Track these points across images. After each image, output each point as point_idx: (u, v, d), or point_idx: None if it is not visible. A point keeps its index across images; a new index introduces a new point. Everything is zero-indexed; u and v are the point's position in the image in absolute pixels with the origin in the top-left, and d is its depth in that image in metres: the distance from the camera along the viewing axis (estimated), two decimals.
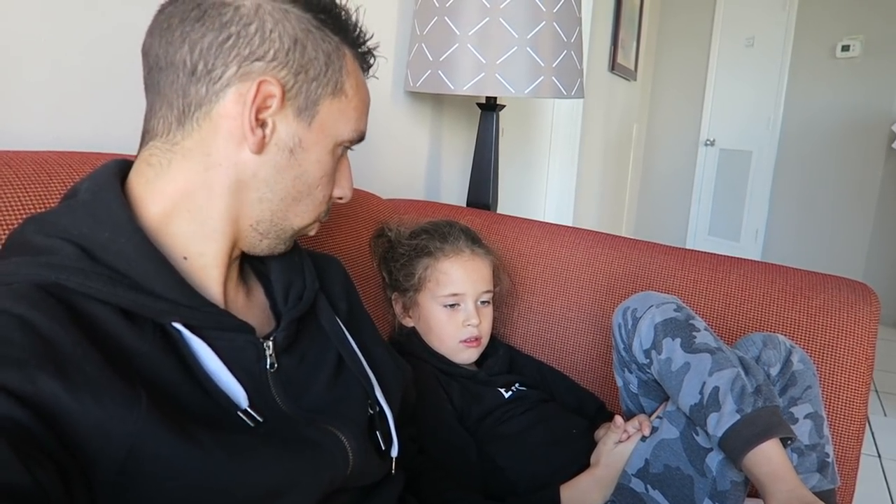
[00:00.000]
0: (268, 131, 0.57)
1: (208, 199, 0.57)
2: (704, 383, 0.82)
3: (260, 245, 0.63)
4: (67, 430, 0.42)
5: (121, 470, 0.44)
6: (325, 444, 0.59)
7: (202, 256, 0.59)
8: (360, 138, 0.66)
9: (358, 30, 0.63)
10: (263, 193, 0.59)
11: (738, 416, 0.78)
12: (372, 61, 0.67)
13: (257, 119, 0.56)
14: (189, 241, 0.58)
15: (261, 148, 0.57)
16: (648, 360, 0.88)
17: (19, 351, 0.42)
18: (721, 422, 0.79)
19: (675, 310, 0.88)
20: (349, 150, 0.67)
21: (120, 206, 0.54)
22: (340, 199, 0.68)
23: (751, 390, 0.80)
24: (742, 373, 0.82)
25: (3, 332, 0.43)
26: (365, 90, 0.65)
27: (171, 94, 0.56)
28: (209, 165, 0.57)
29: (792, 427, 0.81)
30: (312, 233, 0.68)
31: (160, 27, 0.56)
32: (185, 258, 0.58)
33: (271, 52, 0.56)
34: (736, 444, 0.77)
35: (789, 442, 0.80)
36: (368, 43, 0.65)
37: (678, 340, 0.85)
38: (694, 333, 0.86)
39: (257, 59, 0.55)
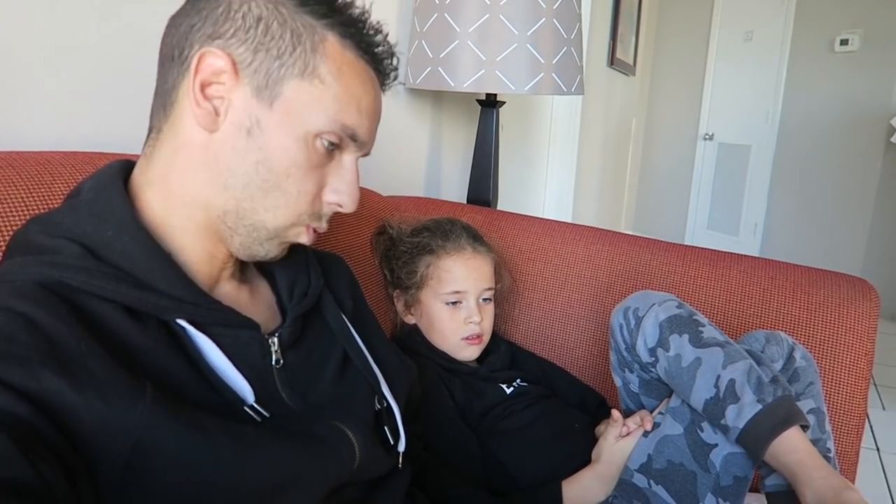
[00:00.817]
0: (222, 108, 0.56)
1: (179, 185, 0.58)
2: (719, 376, 0.81)
3: (233, 242, 0.60)
4: (72, 426, 0.42)
5: (126, 464, 0.44)
6: (332, 439, 0.59)
7: (184, 251, 0.59)
8: (350, 135, 0.60)
9: (351, 19, 0.60)
10: (226, 179, 0.57)
11: (759, 406, 0.78)
12: (388, 62, 0.64)
13: (203, 93, 0.55)
14: (174, 233, 0.58)
15: (212, 124, 0.56)
16: (654, 359, 0.88)
17: (23, 348, 0.43)
18: (742, 413, 0.78)
19: (676, 307, 0.88)
20: (354, 157, 0.63)
21: (122, 205, 0.55)
22: (339, 206, 0.63)
23: (767, 380, 0.80)
24: (755, 364, 0.82)
25: (7, 330, 0.43)
26: (357, 81, 0.60)
27: (160, 84, 0.58)
28: (177, 148, 0.57)
29: None
30: (303, 240, 0.63)
31: (166, 27, 0.59)
32: (178, 252, 0.58)
33: (231, 29, 0.55)
34: (760, 433, 0.77)
35: (804, 430, 0.80)
36: (380, 43, 0.62)
37: (686, 336, 0.85)
38: (700, 329, 0.86)
39: (217, 38, 0.55)
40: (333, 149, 0.60)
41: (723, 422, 0.81)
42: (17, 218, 0.65)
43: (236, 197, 0.57)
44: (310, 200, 0.60)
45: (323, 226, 0.63)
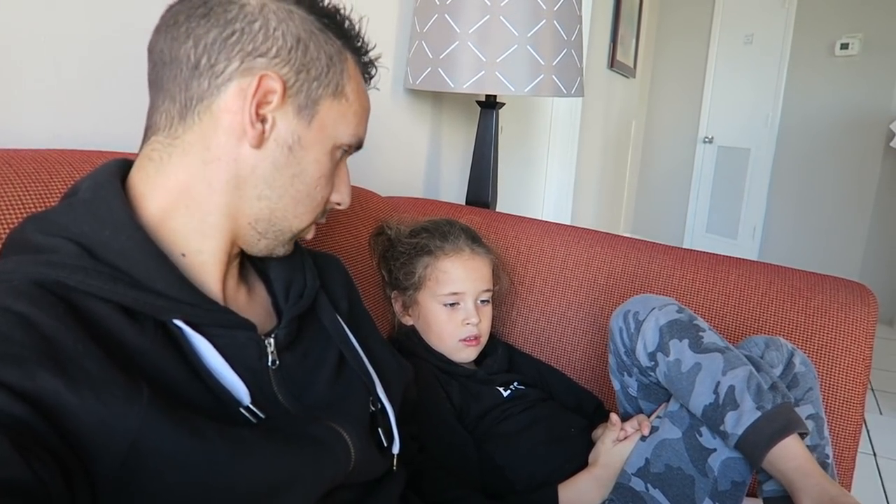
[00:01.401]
0: (268, 127, 0.57)
1: (207, 194, 0.58)
2: (719, 383, 0.82)
3: (258, 245, 0.63)
4: (68, 426, 0.42)
5: (123, 465, 0.44)
6: (328, 440, 0.59)
7: (200, 253, 0.59)
8: (359, 145, 0.67)
9: (360, 39, 0.65)
10: (262, 191, 0.59)
11: (758, 413, 0.78)
12: (374, 72, 0.68)
13: (258, 114, 0.57)
14: (188, 237, 0.58)
15: (260, 143, 0.57)
16: (653, 363, 0.88)
17: (19, 348, 0.42)
18: (741, 420, 0.79)
19: (677, 311, 0.88)
20: (348, 157, 0.68)
21: (120, 204, 0.55)
22: (339, 204, 0.68)
23: (766, 387, 0.80)
24: (754, 371, 0.82)
25: (3, 330, 0.43)
26: (365, 97, 0.66)
27: (174, 89, 0.57)
28: (208, 160, 0.57)
29: None
30: (309, 236, 0.68)
31: (166, 24, 0.57)
32: (183, 255, 0.58)
33: (274, 48, 0.57)
34: (758, 440, 0.78)
35: (803, 438, 0.80)
36: (371, 54, 0.67)
37: (686, 341, 0.85)
38: (700, 334, 0.86)
39: (260, 56, 0.56)
40: (342, 155, 0.65)
41: (722, 428, 0.81)
42: (13, 216, 0.64)
43: (270, 207, 0.61)
44: (326, 203, 0.66)
45: (324, 220, 0.69)
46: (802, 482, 0.75)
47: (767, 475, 0.83)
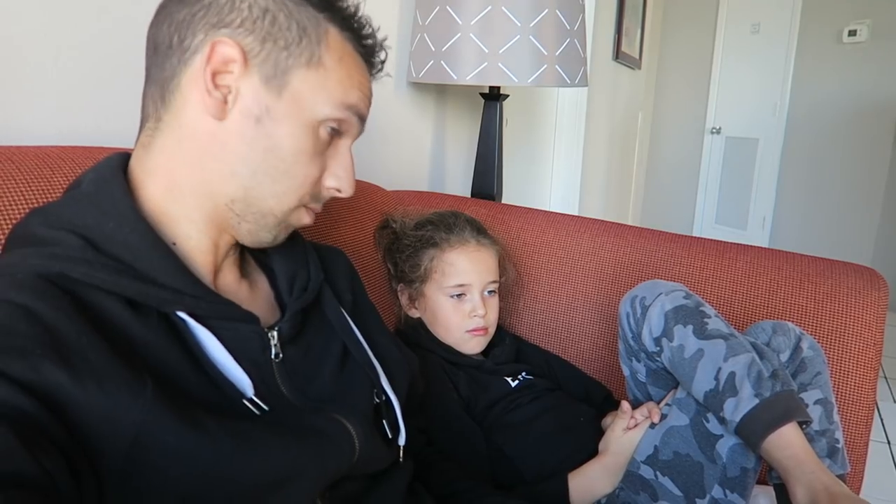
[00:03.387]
0: (231, 97, 0.56)
1: (186, 174, 0.58)
2: (720, 369, 0.81)
3: (241, 230, 0.61)
4: (73, 419, 0.42)
5: (127, 457, 0.44)
6: (331, 432, 0.59)
7: (189, 239, 0.59)
8: (357, 117, 0.63)
9: (348, 14, 0.62)
10: (235, 167, 0.58)
11: (756, 401, 0.78)
12: (370, 44, 0.65)
13: (214, 82, 0.56)
14: (179, 223, 0.58)
15: (222, 112, 0.56)
16: (659, 348, 0.88)
17: (24, 340, 0.42)
18: (739, 407, 0.79)
19: (684, 297, 0.87)
20: (348, 141, 0.65)
21: (123, 197, 0.55)
22: (338, 191, 0.65)
23: (767, 375, 0.80)
24: (757, 358, 0.82)
25: (7, 322, 0.43)
26: (356, 68, 0.63)
27: (156, 73, 0.58)
28: (182, 138, 0.57)
29: None
30: (306, 221, 0.65)
31: (156, 14, 0.58)
32: (173, 243, 0.58)
33: (238, 19, 0.56)
34: (755, 428, 0.77)
35: (804, 426, 0.80)
36: (371, 36, 0.64)
37: (690, 327, 0.85)
38: (705, 320, 0.86)
39: (224, 26, 0.56)
40: (335, 135, 0.62)
41: (721, 414, 0.81)
42: (16, 212, 0.65)
43: (244, 185, 0.58)
44: (312, 183, 0.62)
45: (318, 207, 0.66)
46: (796, 470, 0.74)
47: None
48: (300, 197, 0.62)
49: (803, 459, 0.75)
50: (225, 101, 0.56)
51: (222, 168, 0.58)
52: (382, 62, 0.67)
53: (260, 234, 0.62)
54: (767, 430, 0.77)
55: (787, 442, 0.76)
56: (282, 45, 0.57)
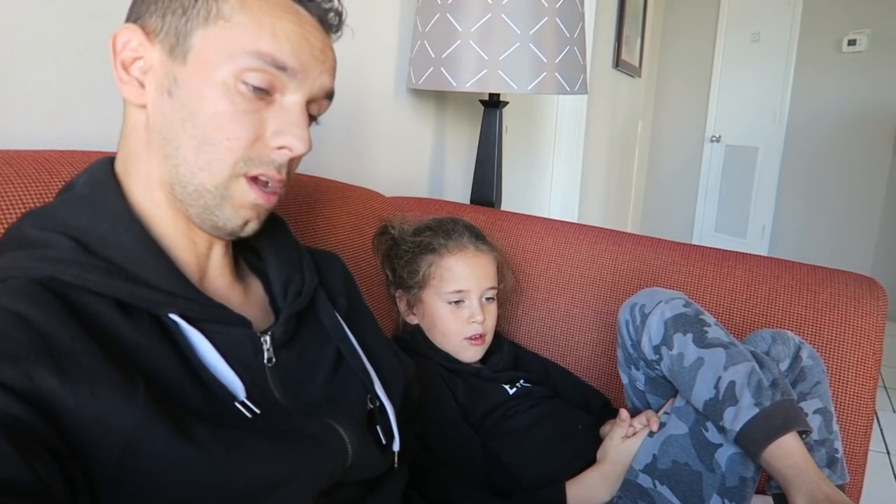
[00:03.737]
0: (146, 79, 0.57)
1: (137, 168, 0.58)
2: (720, 378, 0.81)
3: (191, 216, 0.58)
4: (66, 424, 0.42)
5: (119, 463, 0.44)
6: (324, 437, 0.59)
7: (163, 237, 0.59)
8: (274, 64, 0.56)
9: None
10: (164, 149, 0.56)
11: (756, 410, 0.77)
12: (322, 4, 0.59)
13: (126, 70, 0.57)
14: (155, 219, 0.58)
15: (140, 97, 0.57)
16: (658, 357, 0.87)
17: (16, 346, 0.42)
18: (739, 416, 0.78)
19: (683, 305, 0.87)
20: (295, 98, 0.58)
21: (117, 198, 0.55)
22: (287, 149, 0.58)
23: (767, 384, 0.80)
24: (757, 367, 0.81)
25: (0, 328, 0.43)
26: (264, 9, 0.56)
27: None
28: (127, 135, 0.59)
29: None
30: (252, 196, 0.58)
31: None
32: (164, 246, 0.58)
33: (143, 6, 0.57)
34: (755, 437, 0.77)
35: (804, 436, 0.79)
36: None
37: (690, 336, 0.85)
38: (705, 328, 0.85)
39: (137, 18, 0.57)
40: (264, 93, 0.56)
41: (721, 423, 0.81)
42: (13, 215, 0.64)
43: (174, 164, 0.56)
44: (243, 147, 0.56)
45: (274, 174, 0.58)
46: (797, 480, 0.74)
47: None
48: (231, 164, 0.56)
49: (804, 469, 0.75)
50: (141, 85, 0.57)
51: (157, 153, 0.57)
52: (335, 13, 0.61)
53: (209, 217, 0.58)
54: (767, 439, 0.76)
55: (787, 451, 0.76)
56: (180, 13, 0.55)
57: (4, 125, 0.80)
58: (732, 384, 0.80)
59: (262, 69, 0.55)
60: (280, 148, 0.58)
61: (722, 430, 0.81)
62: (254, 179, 0.58)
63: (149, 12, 0.57)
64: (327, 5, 0.61)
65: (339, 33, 0.64)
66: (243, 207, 0.58)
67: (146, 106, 0.57)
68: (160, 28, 0.56)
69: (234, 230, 0.59)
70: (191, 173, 0.56)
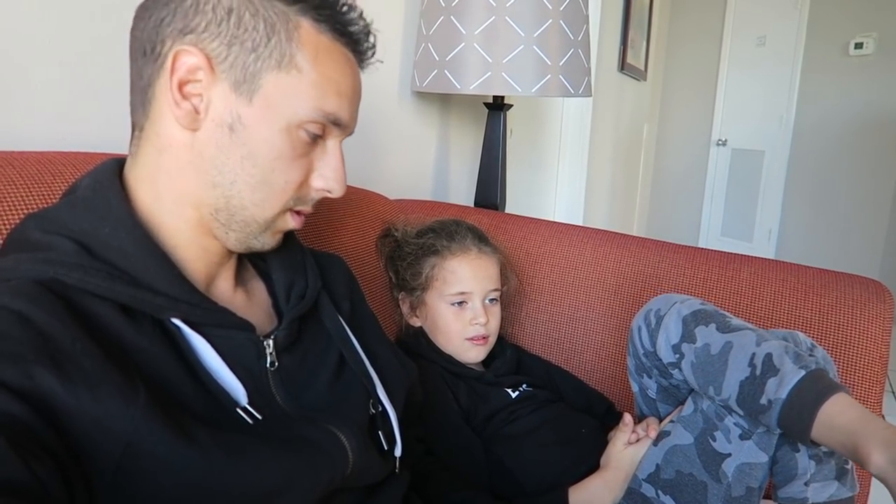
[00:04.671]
0: (201, 106, 0.55)
1: (167, 184, 0.57)
2: (754, 354, 0.77)
3: (229, 238, 0.60)
4: (66, 426, 0.42)
5: (118, 465, 0.44)
6: (324, 443, 0.58)
7: (177, 249, 0.58)
8: (333, 121, 0.59)
9: (327, 3, 0.58)
10: (214, 177, 0.56)
11: (802, 373, 0.72)
12: (355, 30, 0.60)
13: (181, 92, 0.54)
14: (167, 231, 0.58)
15: (193, 123, 0.55)
16: (678, 356, 0.84)
17: (17, 346, 0.42)
18: (784, 382, 0.72)
19: (700, 304, 0.86)
20: (337, 140, 0.62)
21: (120, 202, 0.55)
22: (328, 192, 0.62)
23: (805, 353, 0.76)
24: (789, 343, 0.78)
25: (1, 328, 0.43)
26: (335, 68, 0.59)
27: (136, 80, 0.57)
28: (161, 148, 0.57)
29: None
30: (293, 225, 0.63)
31: (135, 17, 0.58)
32: (165, 251, 0.57)
33: (203, 23, 0.54)
34: (806, 400, 0.70)
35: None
36: (355, 22, 0.60)
37: (713, 325, 0.82)
38: (727, 319, 0.83)
39: (189, 32, 0.54)
40: (318, 139, 0.60)
41: (763, 399, 0.75)
42: (16, 217, 0.65)
43: (225, 195, 0.57)
44: (296, 188, 0.60)
45: (308, 209, 0.63)
46: (865, 430, 0.64)
47: (785, 478, 0.81)
48: (283, 203, 0.60)
49: (870, 418, 0.66)
50: (196, 112, 0.55)
51: (202, 179, 0.57)
52: (372, 49, 0.63)
53: (248, 241, 0.61)
54: (822, 398, 0.69)
55: (845, 406, 0.68)
56: (249, 48, 0.54)
57: (7, 126, 0.80)
58: (770, 356, 0.75)
59: (324, 123, 0.59)
60: (320, 189, 0.62)
61: (762, 409, 0.75)
62: (296, 212, 0.62)
63: (208, 32, 0.54)
64: (371, 56, 0.64)
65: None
66: (280, 233, 0.63)
67: (197, 131, 0.56)
68: (224, 57, 0.54)
69: (261, 249, 0.63)
70: (243, 206, 0.58)
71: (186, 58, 0.54)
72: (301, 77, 0.56)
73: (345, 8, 0.59)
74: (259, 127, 0.56)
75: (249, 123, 0.56)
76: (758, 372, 0.76)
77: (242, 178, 0.57)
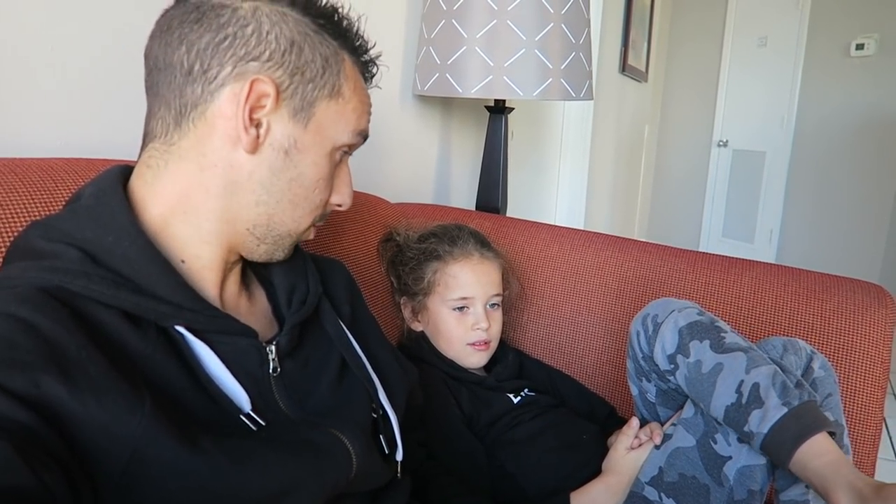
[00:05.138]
0: (262, 131, 0.57)
1: (204, 200, 0.57)
2: (742, 381, 0.79)
3: (258, 250, 0.62)
4: (72, 433, 0.42)
5: (124, 472, 0.44)
6: (328, 447, 0.59)
7: (199, 259, 0.59)
8: (363, 139, 0.66)
9: (359, 38, 0.64)
10: (259, 196, 0.59)
11: (785, 410, 0.75)
12: (374, 70, 0.68)
13: (251, 118, 0.56)
14: (186, 243, 0.58)
15: (255, 148, 0.57)
16: (673, 366, 0.86)
17: (23, 353, 0.42)
18: (767, 417, 0.75)
19: (697, 314, 0.86)
20: (348, 156, 0.67)
21: (123, 210, 0.55)
22: (339, 206, 0.67)
23: (792, 385, 0.77)
24: (779, 370, 0.79)
25: (7, 335, 0.43)
26: (364, 93, 0.66)
27: (169, 95, 0.57)
28: (204, 166, 0.57)
29: None
30: (311, 237, 0.67)
31: (161, 30, 0.57)
32: (182, 261, 0.58)
33: (267, 52, 0.56)
34: (785, 439, 0.74)
35: (832, 437, 0.76)
36: (371, 52, 0.66)
37: (707, 342, 0.83)
38: (722, 335, 0.84)
39: (253, 59, 0.56)
40: (344, 156, 0.65)
41: (746, 428, 0.78)
42: (18, 224, 0.65)
43: (268, 212, 0.60)
44: (325, 204, 0.65)
45: (322, 222, 0.68)
46: (836, 476, 0.70)
47: (787, 483, 0.81)
48: (314, 218, 0.65)
49: (842, 464, 0.71)
50: (258, 136, 0.57)
51: (247, 197, 0.59)
52: (373, 75, 0.69)
53: (275, 253, 0.64)
54: (800, 439, 0.73)
55: (821, 449, 0.72)
56: (308, 78, 0.59)
57: (9, 133, 0.80)
58: (756, 386, 0.78)
59: (358, 143, 0.65)
60: (334, 204, 0.67)
61: (747, 435, 0.78)
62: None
63: (273, 61, 0.57)
64: (373, 74, 0.69)
65: None
66: (299, 243, 0.68)
67: (253, 154, 0.57)
68: (287, 86, 0.58)
69: (280, 258, 0.66)
70: (282, 223, 0.62)
71: (262, 86, 0.56)
72: (345, 104, 0.62)
73: (367, 41, 0.66)
74: (310, 151, 0.60)
75: (303, 148, 0.60)
76: (744, 400, 0.78)
77: (288, 196, 0.60)
